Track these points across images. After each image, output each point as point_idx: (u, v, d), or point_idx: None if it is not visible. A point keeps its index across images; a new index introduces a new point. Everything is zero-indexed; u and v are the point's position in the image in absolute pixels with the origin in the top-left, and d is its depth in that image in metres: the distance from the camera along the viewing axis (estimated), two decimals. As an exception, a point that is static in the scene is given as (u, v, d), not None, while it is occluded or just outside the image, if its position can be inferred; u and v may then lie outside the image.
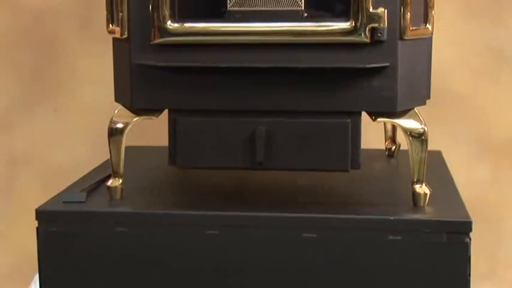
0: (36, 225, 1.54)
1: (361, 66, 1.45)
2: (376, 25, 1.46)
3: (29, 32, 2.27)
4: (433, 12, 1.54)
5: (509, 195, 2.21)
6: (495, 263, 2.24)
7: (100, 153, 2.23)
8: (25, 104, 2.30)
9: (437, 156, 1.90)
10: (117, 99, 1.61)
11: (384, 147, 1.97)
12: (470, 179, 2.20)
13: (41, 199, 2.34)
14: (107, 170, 1.65)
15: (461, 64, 2.17)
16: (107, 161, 1.74)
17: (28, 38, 2.27)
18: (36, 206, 1.50)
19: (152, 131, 1.95)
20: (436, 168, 1.76)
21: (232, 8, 1.54)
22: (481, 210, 2.20)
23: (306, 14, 1.53)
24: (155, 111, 1.57)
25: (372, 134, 1.81)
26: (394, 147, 1.95)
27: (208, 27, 1.50)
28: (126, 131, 1.58)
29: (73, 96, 2.29)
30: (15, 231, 2.33)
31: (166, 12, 1.49)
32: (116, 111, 1.60)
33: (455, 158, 2.17)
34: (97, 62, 2.24)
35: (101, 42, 2.17)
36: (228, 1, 1.54)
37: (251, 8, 1.54)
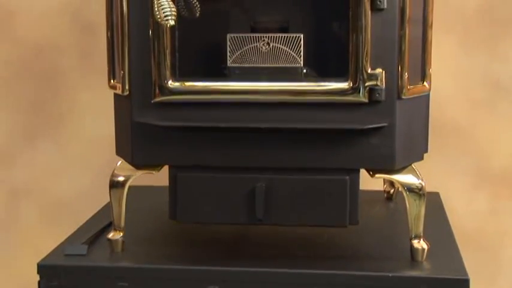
0: (38, 279, 1.55)
1: (359, 127, 1.47)
2: (374, 85, 1.47)
3: (29, 64, 2.28)
4: (430, 70, 1.55)
5: (507, 226, 2.23)
6: (494, 294, 2.26)
7: (101, 186, 2.25)
8: (26, 136, 2.32)
9: (434, 198, 1.91)
10: (118, 153, 1.63)
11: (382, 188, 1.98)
12: (468, 209, 2.22)
13: (41, 231, 2.37)
14: (108, 214, 1.65)
15: (459, 95, 2.19)
16: (107, 205, 1.75)
17: (29, 71, 2.29)
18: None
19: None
20: (433, 213, 1.78)
21: (232, 65, 1.55)
22: (480, 240, 2.23)
23: (305, 70, 1.54)
24: (156, 165, 1.57)
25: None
26: (392, 190, 1.96)
27: (209, 86, 1.52)
28: (127, 184, 1.60)
29: (74, 128, 2.30)
30: (15, 263, 2.36)
31: (167, 71, 1.51)
32: (119, 163, 1.61)
33: (454, 188, 2.20)
34: (97, 95, 2.25)
35: (101, 75, 2.17)
36: (228, 58, 1.55)
37: (251, 65, 1.55)
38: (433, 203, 1.88)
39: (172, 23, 1.42)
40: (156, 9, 1.42)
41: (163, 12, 1.41)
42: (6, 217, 2.35)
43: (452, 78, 2.18)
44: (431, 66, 1.57)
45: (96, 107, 2.27)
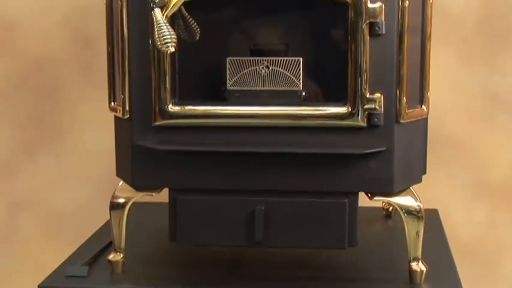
0: (39, 300, 1.56)
1: (358, 152, 1.48)
2: (372, 110, 1.48)
3: (30, 78, 2.29)
4: (428, 93, 1.56)
5: (506, 238, 2.24)
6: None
7: (101, 198, 2.26)
8: (26, 149, 2.33)
9: (433, 215, 1.93)
10: (118, 174, 1.64)
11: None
12: (467, 221, 2.23)
13: (42, 244, 2.38)
14: (108, 231, 1.67)
15: (458, 108, 2.20)
16: (107, 222, 1.76)
17: (29, 84, 2.30)
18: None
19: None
20: (432, 231, 1.79)
21: (232, 88, 1.56)
22: (478, 252, 2.24)
23: (304, 94, 1.55)
24: (156, 188, 1.58)
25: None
26: (391, 207, 1.98)
27: (208, 110, 1.53)
28: (128, 206, 1.61)
29: (74, 141, 2.31)
30: (15, 276, 2.37)
31: (167, 95, 1.52)
32: (119, 184, 1.62)
33: (453, 200, 2.21)
34: (98, 108, 2.25)
35: (101, 88, 2.18)
36: (228, 80, 1.56)
37: (250, 88, 1.55)
38: (432, 220, 1.89)
39: (172, 49, 1.43)
40: (156, 35, 1.43)
41: (164, 39, 1.42)
42: (6, 230, 2.36)
43: (451, 91, 2.19)
44: (430, 89, 1.58)
45: (96, 120, 2.28)
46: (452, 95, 2.19)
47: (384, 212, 1.98)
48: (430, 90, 1.58)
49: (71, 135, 2.31)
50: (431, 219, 1.89)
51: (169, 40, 1.43)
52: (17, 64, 2.29)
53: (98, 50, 2.24)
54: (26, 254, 2.36)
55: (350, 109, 1.49)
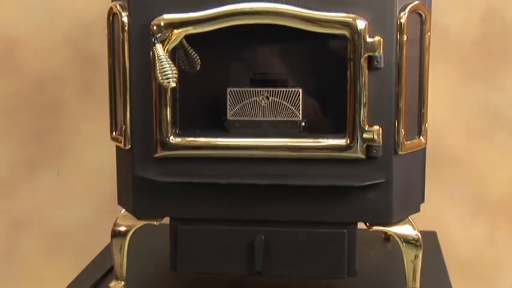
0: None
1: (356, 184, 1.49)
2: (371, 142, 1.49)
3: (31, 96, 2.31)
4: (426, 124, 1.58)
5: (505, 254, 2.25)
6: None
7: (102, 216, 2.29)
8: (27, 167, 2.34)
9: (431, 238, 1.94)
10: (119, 203, 1.65)
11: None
12: (466, 237, 2.24)
13: (43, 261, 2.40)
14: (109, 255, 1.68)
15: (456, 125, 2.21)
16: (108, 246, 1.77)
17: (31, 102, 2.31)
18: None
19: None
20: (430, 255, 1.80)
21: (232, 118, 1.58)
22: (477, 268, 2.26)
23: (303, 124, 1.56)
24: (158, 217, 1.60)
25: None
26: (390, 231, 1.98)
27: (209, 141, 1.55)
28: (129, 234, 1.63)
29: (75, 159, 2.33)
30: (17, 294, 2.39)
31: (168, 127, 1.53)
32: (122, 211, 1.64)
33: (451, 216, 2.22)
34: (98, 125, 2.27)
35: (102, 106, 2.19)
36: (228, 111, 1.58)
37: (251, 118, 1.57)
38: (430, 244, 1.91)
39: (173, 84, 1.45)
40: (158, 70, 1.45)
41: (165, 75, 1.44)
42: (7, 247, 2.38)
43: (450, 108, 2.20)
44: (428, 121, 1.58)
45: (97, 138, 2.29)
46: (450, 112, 2.21)
47: (383, 235, 1.99)
48: (428, 122, 1.59)
49: (72, 153, 2.33)
50: (429, 242, 1.90)
51: (170, 75, 1.45)
52: (19, 82, 2.31)
53: (99, 69, 2.26)
54: (26, 271, 2.38)
55: (349, 141, 1.51)
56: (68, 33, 2.28)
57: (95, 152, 2.32)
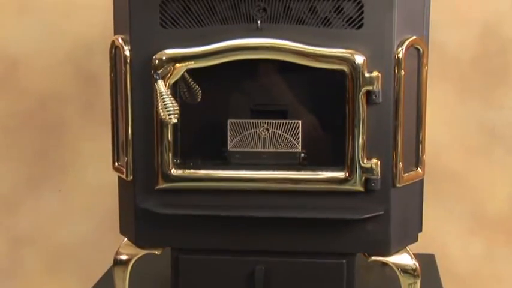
0: None
1: (355, 217, 1.51)
2: (369, 175, 1.51)
3: (33, 115, 2.32)
4: (424, 156, 1.60)
5: (502, 271, 2.27)
6: None
7: (103, 233, 2.31)
8: (30, 185, 2.36)
9: (429, 261, 1.95)
10: (121, 232, 1.67)
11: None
12: (464, 254, 2.26)
13: (45, 279, 2.42)
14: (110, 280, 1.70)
15: (454, 142, 2.22)
16: (109, 271, 1.79)
17: (33, 121, 2.32)
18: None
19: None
20: (428, 279, 1.82)
21: (233, 149, 1.60)
22: (475, 285, 2.27)
23: (302, 155, 1.58)
24: (159, 247, 1.62)
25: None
26: (388, 255, 2.00)
27: (210, 174, 1.57)
28: (131, 263, 1.64)
29: (77, 176, 2.34)
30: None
31: (170, 159, 1.55)
32: (124, 240, 1.66)
33: (450, 233, 2.24)
34: (100, 144, 2.28)
35: (103, 125, 2.21)
36: (229, 142, 1.60)
37: (251, 149, 1.59)
38: (429, 267, 1.92)
39: (175, 121, 1.47)
40: (160, 107, 1.47)
41: (167, 111, 1.46)
42: (9, 265, 2.39)
43: (448, 125, 2.22)
44: (425, 152, 1.61)
45: (99, 156, 2.30)
46: (448, 129, 2.22)
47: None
48: (425, 153, 1.60)
49: (74, 171, 2.34)
50: (427, 264, 1.92)
51: (172, 112, 1.47)
52: (21, 101, 2.32)
53: (101, 88, 2.27)
54: (28, 288, 2.39)
55: (347, 174, 1.52)
56: (69, 53, 2.30)
57: (96, 170, 2.33)
